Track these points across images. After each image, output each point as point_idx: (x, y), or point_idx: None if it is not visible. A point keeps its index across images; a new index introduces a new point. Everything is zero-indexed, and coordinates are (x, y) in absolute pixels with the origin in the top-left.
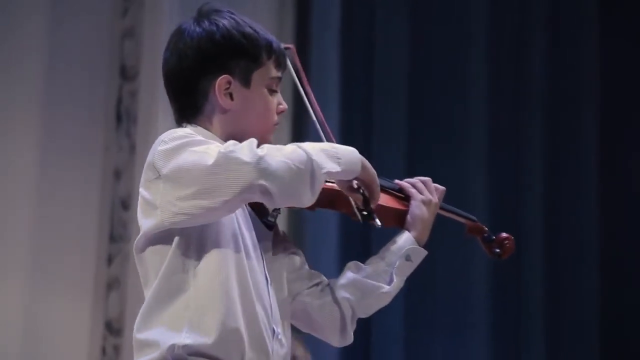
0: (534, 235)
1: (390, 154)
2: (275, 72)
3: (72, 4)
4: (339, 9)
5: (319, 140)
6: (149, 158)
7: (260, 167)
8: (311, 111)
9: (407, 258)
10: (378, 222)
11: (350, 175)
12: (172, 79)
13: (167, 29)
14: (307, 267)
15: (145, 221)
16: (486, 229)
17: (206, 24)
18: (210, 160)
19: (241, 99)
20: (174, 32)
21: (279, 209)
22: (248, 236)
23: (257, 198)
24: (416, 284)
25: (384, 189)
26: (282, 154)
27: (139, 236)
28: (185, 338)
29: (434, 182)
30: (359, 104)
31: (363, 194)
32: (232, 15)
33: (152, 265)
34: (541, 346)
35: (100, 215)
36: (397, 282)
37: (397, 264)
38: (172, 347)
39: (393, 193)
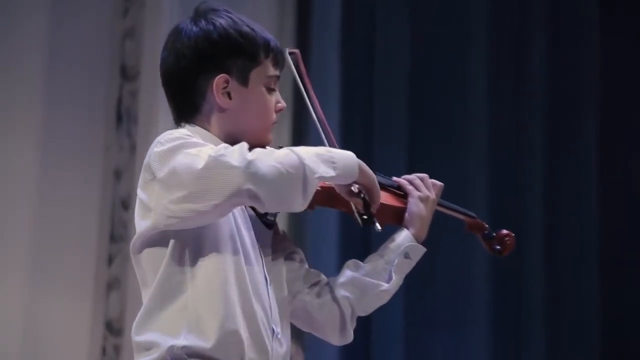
0: (534, 235)
1: (391, 154)
2: (273, 71)
3: (73, 4)
4: (339, 9)
5: (319, 140)
6: (146, 159)
7: (249, 172)
8: (312, 112)
9: (406, 255)
10: (378, 226)
11: (347, 179)
12: (169, 79)
13: (167, 29)
14: (306, 266)
15: (141, 222)
16: (486, 225)
17: (203, 23)
18: (200, 164)
19: (239, 98)
20: (171, 32)
21: None
22: (247, 236)
23: (247, 202)
24: (415, 282)
25: (381, 187)
26: (273, 158)
27: (135, 237)
28: (183, 340)
29: None
30: (359, 104)
31: (363, 198)
32: (229, 14)
33: (150, 267)
34: (541, 343)
35: (101, 215)
36: (396, 280)
37: (396, 261)
38: (172, 347)
39: (391, 190)
